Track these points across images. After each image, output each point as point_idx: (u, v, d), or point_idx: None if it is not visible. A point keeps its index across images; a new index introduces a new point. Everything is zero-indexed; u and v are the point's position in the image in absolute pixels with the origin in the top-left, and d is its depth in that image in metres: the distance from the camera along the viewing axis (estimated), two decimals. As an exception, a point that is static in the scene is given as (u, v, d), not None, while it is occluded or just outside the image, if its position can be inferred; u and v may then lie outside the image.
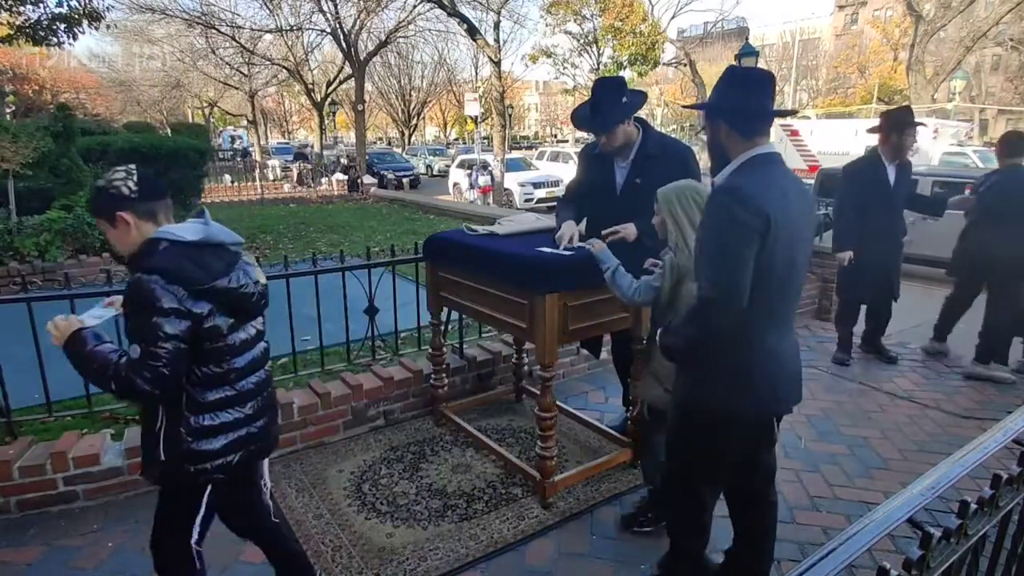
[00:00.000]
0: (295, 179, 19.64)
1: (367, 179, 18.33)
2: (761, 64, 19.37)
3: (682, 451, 1.91)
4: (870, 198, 3.94)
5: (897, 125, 3.85)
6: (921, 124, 4.09)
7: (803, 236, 1.72)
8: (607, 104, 2.56)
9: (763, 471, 1.94)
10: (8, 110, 19.26)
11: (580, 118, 2.72)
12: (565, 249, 2.54)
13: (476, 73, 31.16)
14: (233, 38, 20.83)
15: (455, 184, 18.61)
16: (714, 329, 1.65)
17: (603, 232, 2.57)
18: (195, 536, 1.66)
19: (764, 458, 1.91)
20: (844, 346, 4.32)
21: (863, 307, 4.33)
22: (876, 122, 4.05)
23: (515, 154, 21.22)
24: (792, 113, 2.67)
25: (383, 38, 20.95)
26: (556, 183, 16.78)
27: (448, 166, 22.65)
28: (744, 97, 1.70)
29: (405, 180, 22.61)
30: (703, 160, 3.97)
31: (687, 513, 1.95)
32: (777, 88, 1.81)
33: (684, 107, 2.28)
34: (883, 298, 4.21)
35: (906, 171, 3.99)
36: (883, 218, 3.96)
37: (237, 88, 26.04)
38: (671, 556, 2.07)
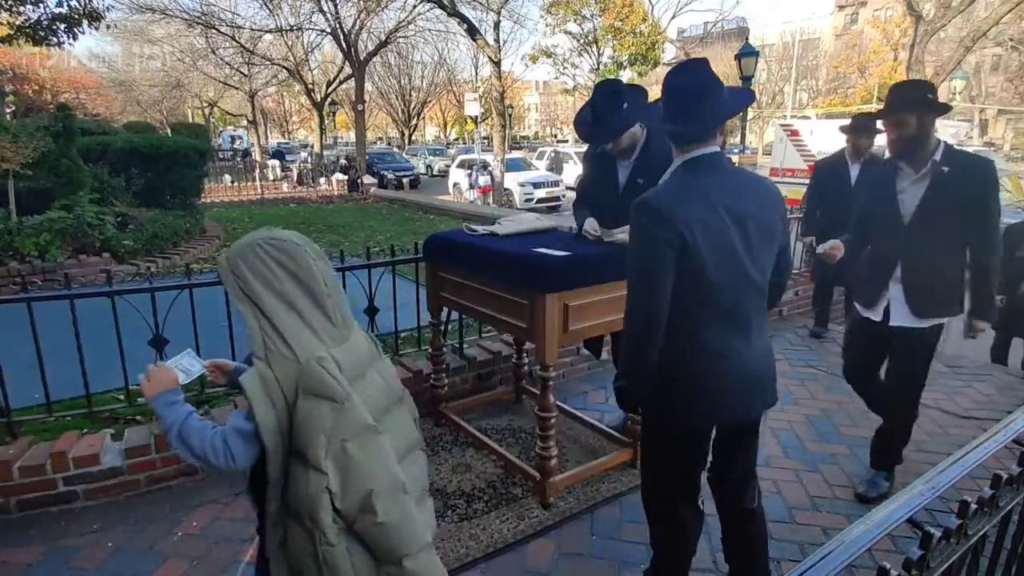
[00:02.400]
0: (295, 179, 19.65)
1: (367, 179, 18.34)
2: (761, 64, 19.31)
3: (650, 465, 1.92)
4: (830, 193, 4.36)
5: (855, 129, 4.18)
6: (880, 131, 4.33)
7: (749, 234, 1.64)
8: (607, 114, 2.56)
9: (732, 479, 1.91)
10: (8, 110, 19.24)
11: (582, 127, 2.68)
12: (595, 239, 2.67)
13: (476, 73, 31.21)
14: (233, 38, 20.84)
15: (455, 184, 18.63)
16: (650, 346, 1.63)
17: (604, 238, 2.57)
18: None
19: (734, 465, 1.89)
20: (818, 321, 4.92)
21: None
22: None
23: (515, 154, 21.23)
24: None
25: (383, 38, 20.97)
26: (556, 183, 16.82)
27: (448, 166, 22.66)
28: (673, 110, 1.69)
29: (405, 180, 22.64)
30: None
31: (664, 526, 1.94)
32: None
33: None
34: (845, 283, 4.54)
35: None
36: (840, 212, 4.06)
37: (237, 88, 26.04)
38: (654, 567, 2.06)
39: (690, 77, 1.69)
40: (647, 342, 1.64)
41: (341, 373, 1.24)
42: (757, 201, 1.68)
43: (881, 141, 4.15)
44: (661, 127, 1.72)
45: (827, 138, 14.79)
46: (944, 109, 2.49)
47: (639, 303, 1.64)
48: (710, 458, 1.93)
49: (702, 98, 1.66)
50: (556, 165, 20.15)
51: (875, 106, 26.09)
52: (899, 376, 2.65)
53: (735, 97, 1.74)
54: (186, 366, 1.45)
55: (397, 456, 1.36)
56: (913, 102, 2.39)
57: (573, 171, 18.58)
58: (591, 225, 2.73)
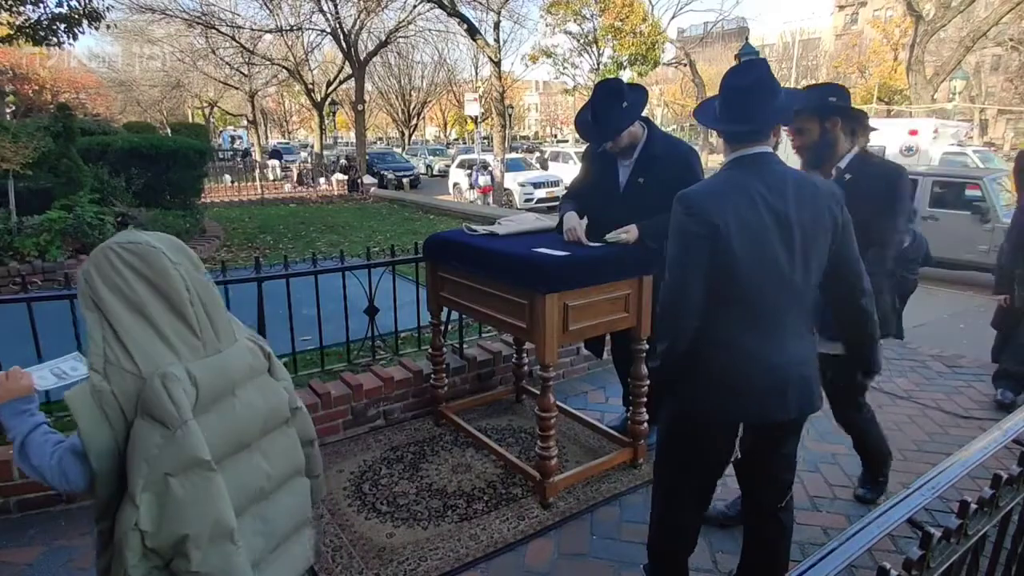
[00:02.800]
0: (295, 179, 19.66)
1: (367, 179, 18.34)
2: (761, 64, 19.32)
3: (662, 456, 1.94)
4: None
5: None
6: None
7: (793, 235, 1.60)
8: (607, 112, 2.55)
9: (754, 479, 1.91)
10: (8, 110, 19.24)
11: (582, 126, 2.68)
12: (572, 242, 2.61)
13: (476, 73, 31.18)
14: (233, 38, 20.83)
15: (455, 184, 18.64)
16: (678, 335, 1.67)
17: (605, 237, 2.57)
18: None
19: (755, 466, 1.88)
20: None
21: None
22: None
23: (514, 155, 21.24)
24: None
25: (383, 38, 20.96)
26: (556, 183, 16.83)
27: (448, 166, 22.66)
28: (727, 109, 1.71)
29: (405, 180, 22.63)
30: (707, 161, 4.01)
31: (663, 517, 1.95)
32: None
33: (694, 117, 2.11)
34: None
35: None
36: None
37: (237, 88, 26.03)
38: (652, 564, 2.07)
39: (745, 77, 1.69)
40: (672, 338, 1.68)
41: (196, 390, 1.11)
42: (804, 202, 1.62)
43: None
44: (716, 127, 1.74)
45: (827, 138, 14.78)
46: (856, 115, 2.29)
47: (667, 293, 1.70)
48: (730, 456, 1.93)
49: (756, 98, 1.66)
50: (542, 163, 20.27)
51: (875, 106, 26.13)
52: (828, 395, 2.49)
53: (792, 99, 1.74)
54: (65, 370, 1.26)
55: (271, 485, 1.26)
56: (812, 107, 2.24)
57: (560, 169, 18.58)
58: (571, 220, 2.70)
